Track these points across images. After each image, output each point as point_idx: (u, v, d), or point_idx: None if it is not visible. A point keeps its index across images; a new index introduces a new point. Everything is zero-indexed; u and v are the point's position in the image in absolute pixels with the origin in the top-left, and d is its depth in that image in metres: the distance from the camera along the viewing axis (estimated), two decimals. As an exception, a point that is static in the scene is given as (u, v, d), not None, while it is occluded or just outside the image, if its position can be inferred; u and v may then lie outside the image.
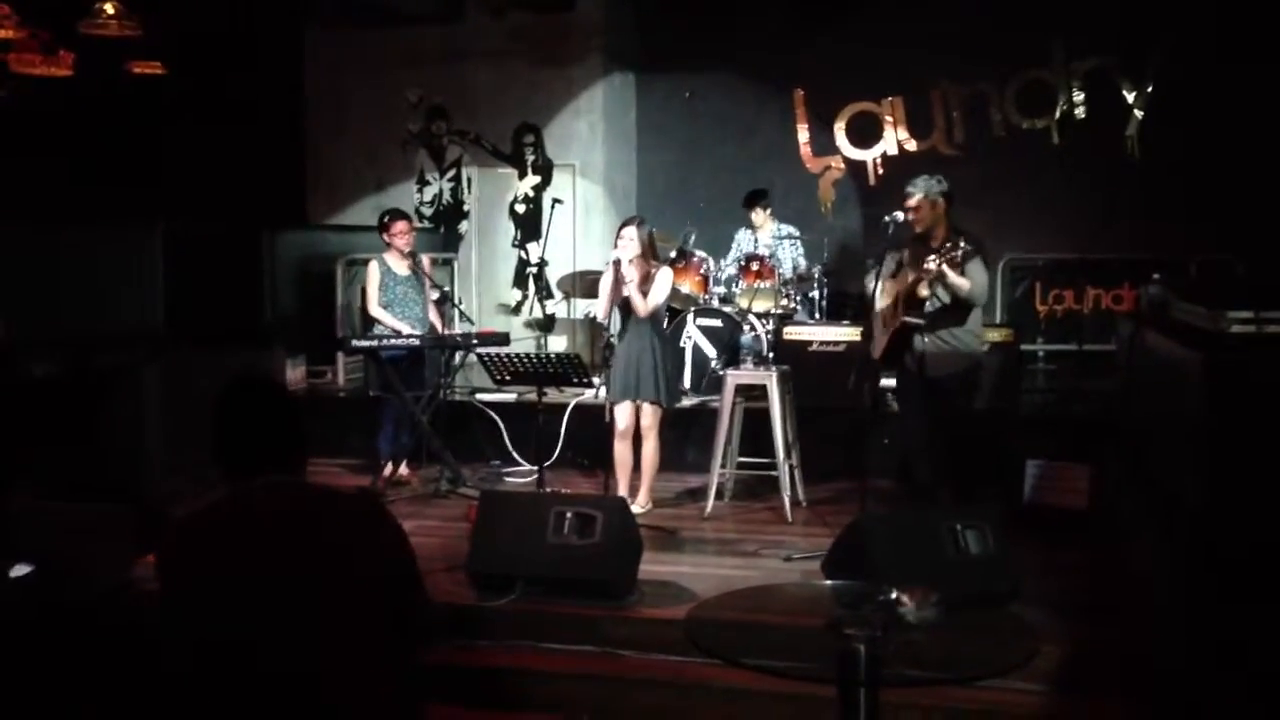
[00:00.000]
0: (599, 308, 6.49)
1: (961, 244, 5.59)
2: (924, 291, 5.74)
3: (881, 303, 6.04)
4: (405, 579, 2.57)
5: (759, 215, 8.93)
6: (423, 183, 10.73)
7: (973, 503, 5.57)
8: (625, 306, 6.38)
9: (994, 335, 7.43)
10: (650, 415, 6.43)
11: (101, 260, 7.69)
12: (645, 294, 6.32)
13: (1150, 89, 9.61)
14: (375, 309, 7.28)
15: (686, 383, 8.16)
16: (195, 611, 2.45)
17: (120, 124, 10.41)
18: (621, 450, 6.51)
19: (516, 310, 10.52)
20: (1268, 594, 3.80)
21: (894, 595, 3.21)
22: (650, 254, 6.45)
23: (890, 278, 6.01)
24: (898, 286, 5.90)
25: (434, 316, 7.55)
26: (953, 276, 5.67)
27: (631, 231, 6.38)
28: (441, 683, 4.31)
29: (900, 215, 5.97)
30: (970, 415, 6.15)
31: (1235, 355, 4.11)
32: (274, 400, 2.64)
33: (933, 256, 5.62)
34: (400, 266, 7.35)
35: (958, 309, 5.82)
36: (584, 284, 9.55)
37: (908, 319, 5.80)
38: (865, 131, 10.31)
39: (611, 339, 6.36)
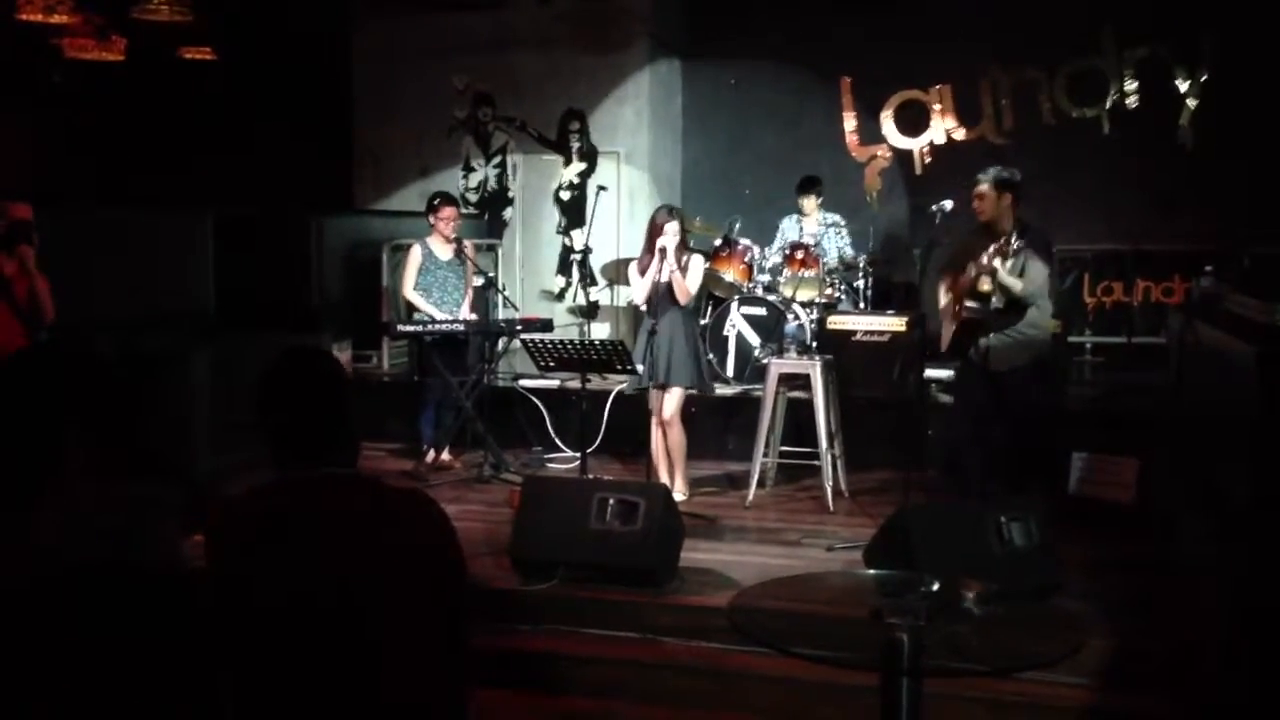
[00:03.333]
0: (640, 295, 6.49)
1: (1014, 239, 5.52)
2: (985, 286, 5.69)
3: (945, 297, 6.00)
4: (453, 573, 2.56)
5: (809, 203, 8.88)
6: (468, 169, 10.77)
7: (1019, 495, 5.53)
8: (660, 294, 6.39)
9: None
10: (674, 403, 6.44)
11: (153, 244, 7.80)
12: (684, 282, 6.36)
13: (1204, 78, 9.45)
14: (409, 292, 7.31)
15: (730, 371, 8.15)
16: (239, 593, 2.47)
17: (171, 109, 10.53)
18: (657, 437, 6.53)
19: (560, 297, 10.55)
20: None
21: (936, 586, 3.20)
22: (683, 242, 6.50)
23: (950, 270, 5.96)
24: (960, 279, 5.84)
25: (465, 305, 7.51)
26: (1003, 275, 5.61)
27: (675, 226, 6.41)
28: (483, 667, 4.34)
29: (948, 204, 5.92)
30: (1032, 408, 6.07)
31: (1289, 349, 4.05)
32: (330, 385, 2.55)
33: (984, 255, 5.57)
34: (443, 251, 7.39)
35: (1015, 307, 5.76)
36: (628, 271, 9.55)
37: (969, 310, 5.75)
38: (912, 120, 10.22)
39: (655, 325, 6.36)
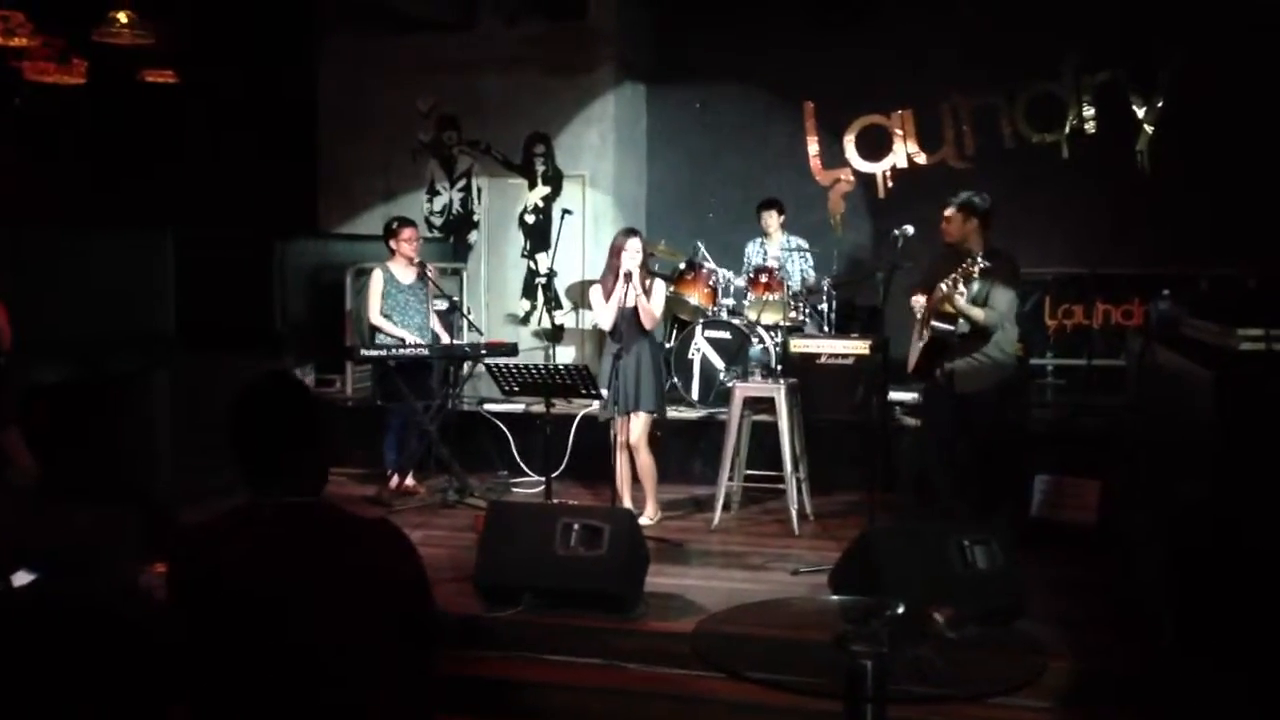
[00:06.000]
0: (605, 319, 6.48)
1: (980, 262, 5.55)
2: (950, 308, 5.73)
3: (919, 311, 6.04)
4: (417, 598, 2.55)
5: (771, 221, 8.92)
6: (433, 192, 10.75)
7: (983, 517, 5.56)
8: (625, 319, 6.38)
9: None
10: (640, 427, 6.44)
11: (114, 266, 7.72)
12: (648, 305, 6.38)
13: (1161, 103, 9.60)
14: (376, 317, 7.29)
15: (695, 394, 8.16)
16: (202, 622, 2.45)
17: (133, 132, 10.45)
18: (622, 462, 6.52)
19: (525, 321, 10.53)
20: (1278, 611, 3.79)
21: (901, 610, 3.21)
22: (644, 266, 6.51)
23: (921, 290, 6.00)
24: (929, 301, 5.89)
25: (436, 326, 7.56)
26: (963, 305, 5.66)
27: (637, 243, 6.41)
28: (448, 693, 4.31)
29: (910, 229, 5.97)
30: (997, 431, 6.11)
31: (1245, 373, 4.10)
32: (300, 414, 2.54)
33: (945, 282, 5.61)
34: (405, 275, 7.37)
35: (981, 331, 5.81)
36: (591, 295, 9.56)
37: (937, 328, 5.79)
38: (875, 144, 10.31)
39: (621, 351, 6.36)
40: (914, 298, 6.07)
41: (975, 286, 5.67)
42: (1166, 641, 4.40)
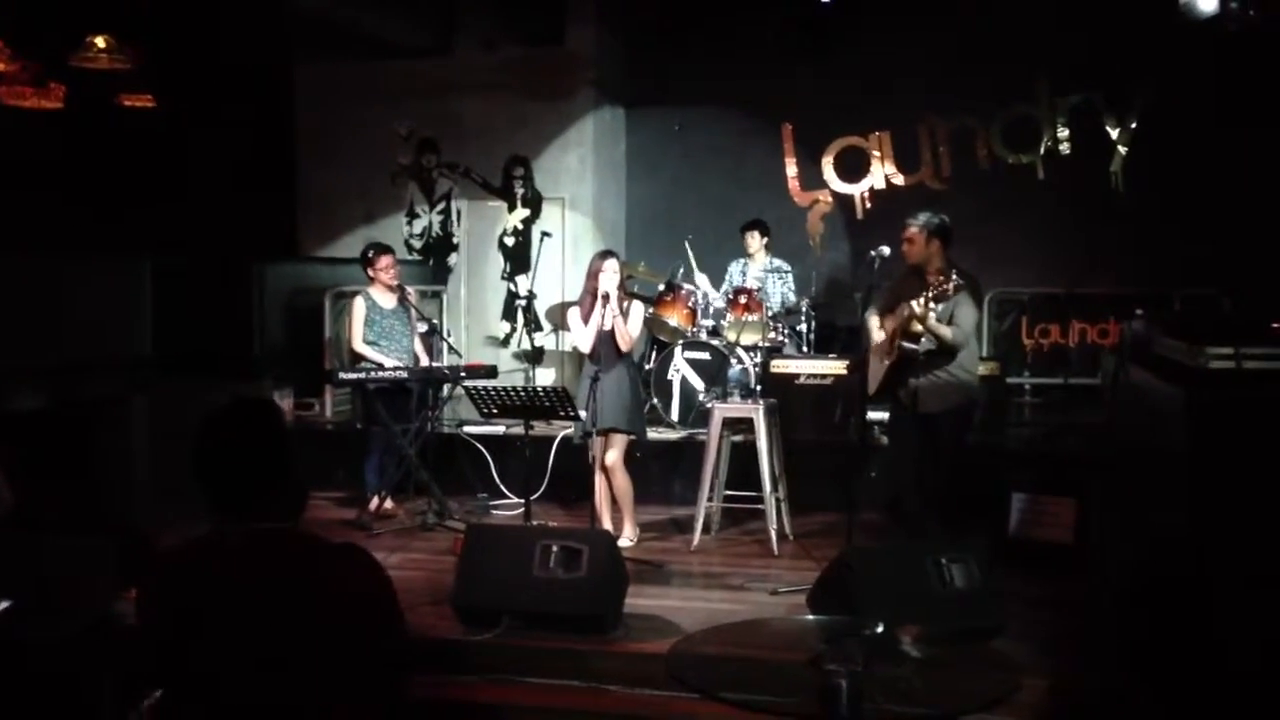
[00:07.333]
0: (584, 341, 6.49)
1: (954, 279, 5.61)
2: (917, 328, 5.78)
3: (877, 337, 6.08)
4: (385, 624, 2.54)
5: (754, 242, 8.96)
6: (412, 215, 10.77)
7: (961, 536, 5.58)
8: (603, 341, 6.40)
9: (980, 368, 7.45)
10: (617, 449, 6.44)
11: (90, 291, 7.69)
12: (624, 327, 6.40)
13: (1134, 125, 9.71)
14: (359, 345, 7.28)
15: (674, 415, 8.17)
16: (172, 649, 2.44)
17: (111, 156, 10.43)
18: (600, 484, 6.52)
19: (505, 343, 10.54)
20: (1249, 629, 3.81)
21: (879, 629, 3.23)
22: (622, 288, 6.53)
23: (882, 310, 6.05)
24: (894, 321, 5.93)
25: (419, 349, 7.56)
26: (933, 323, 5.72)
27: (614, 264, 6.43)
28: (426, 717, 4.29)
29: (886, 250, 6.02)
30: (962, 449, 6.16)
31: (1215, 391, 4.14)
32: (269, 439, 2.53)
33: (916, 300, 5.65)
34: (386, 300, 7.37)
35: (946, 349, 5.86)
36: (568, 317, 9.58)
37: (904, 345, 5.83)
38: (853, 165, 10.39)
39: (599, 373, 6.37)
40: (870, 320, 6.11)
41: (942, 305, 5.73)
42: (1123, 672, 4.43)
